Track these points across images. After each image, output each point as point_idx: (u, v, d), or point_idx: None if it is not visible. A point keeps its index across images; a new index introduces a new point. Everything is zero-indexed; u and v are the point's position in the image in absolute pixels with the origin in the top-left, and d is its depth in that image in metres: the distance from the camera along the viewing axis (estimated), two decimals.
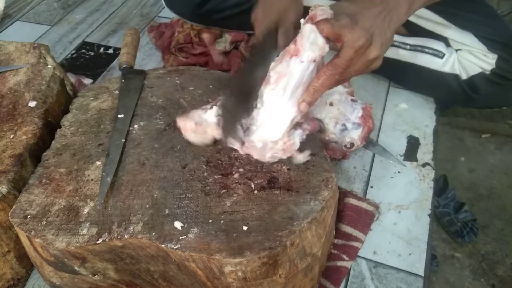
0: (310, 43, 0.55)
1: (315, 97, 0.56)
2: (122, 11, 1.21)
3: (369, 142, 0.80)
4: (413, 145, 0.82)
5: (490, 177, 1.60)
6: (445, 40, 0.83)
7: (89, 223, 0.53)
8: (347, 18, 0.53)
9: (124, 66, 0.76)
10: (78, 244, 0.51)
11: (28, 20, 1.20)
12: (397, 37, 0.88)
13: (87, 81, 0.94)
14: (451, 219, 1.44)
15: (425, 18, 0.83)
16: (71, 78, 0.92)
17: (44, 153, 0.63)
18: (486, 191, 1.56)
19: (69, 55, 1.06)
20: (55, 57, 1.04)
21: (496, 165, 1.64)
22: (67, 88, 0.76)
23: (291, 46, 0.57)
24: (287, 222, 0.51)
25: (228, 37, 0.96)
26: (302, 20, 0.57)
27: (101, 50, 1.07)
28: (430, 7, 0.82)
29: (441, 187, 1.51)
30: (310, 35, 0.55)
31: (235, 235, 0.50)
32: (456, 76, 0.82)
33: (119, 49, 1.07)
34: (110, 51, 1.07)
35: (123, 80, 0.73)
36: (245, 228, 0.51)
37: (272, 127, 0.57)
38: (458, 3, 0.82)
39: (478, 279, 1.35)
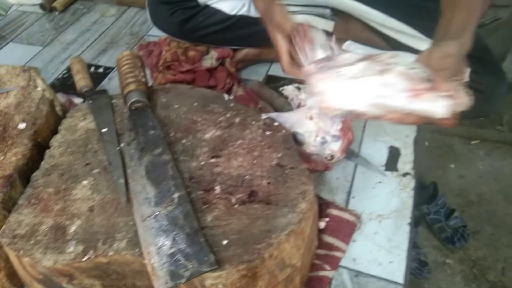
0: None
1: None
2: (113, 31, 1.25)
3: (351, 154, 0.83)
4: (394, 155, 0.84)
5: (480, 183, 1.63)
6: (419, 53, 0.86)
7: (75, 241, 0.55)
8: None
9: (85, 89, 0.80)
10: (64, 262, 0.53)
11: (21, 42, 1.23)
12: (375, 51, 0.90)
13: (78, 100, 0.97)
14: (441, 225, 1.46)
15: (401, 31, 0.86)
16: (62, 98, 0.95)
17: (34, 174, 0.65)
18: (476, 197, 1.58)
19: (61, 75, 1.09)
20: (47, 77, 1.08)
21: (485, 171, 1.67)
22: (57, 109, 0.79)
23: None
24: (266, 235, 0.53)
25: (214, 53, 0.99)
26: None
27: (92, 69, 1.10)
28: (405, 21, 0.85)
29: (431, 194, 1.53)
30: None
31: (215, 249, 0.52)
32: None
33: (109, 68, 1.10)
34: (101, 70, 1.10)
35: (90, 101, 0.76)
36: (225, 242, 0.53)
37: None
38: (434, 17, 0.85)
39: (470, 285, 1.37)
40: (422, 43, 0.86)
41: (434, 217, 1.49)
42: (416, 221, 1.50)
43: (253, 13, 0.98)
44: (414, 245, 1.42)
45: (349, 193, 0.78)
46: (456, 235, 1.45)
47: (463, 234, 1.45)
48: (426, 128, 1.82)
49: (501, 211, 1.53)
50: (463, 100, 0.57)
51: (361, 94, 0.58)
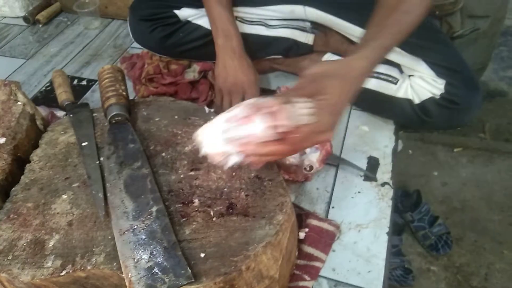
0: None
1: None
2: (96, 43, 1.25)
3: (335, 157, 0.84)
4: (373, 165, 0.85)
5: (463, 190, 1.65)
6: (398, 66, 0.88)
7: (54, 255, 0.55)
8: (329, 117, 0.54)
9: (67, 103, 0.80)
10: (42, 277, 0.53)
11: (3, 54, 1.23)
12: None
13: (60, 113, 0.97)
14: (425, 233, 1.48)
15: None
16: (44, 111, 0.95)
17: (13, 188, 0.65)
18: (459, 204, 1.60)
19: (44, 88, 1.09)
20: (29, 90, 1.08)
21: (468, 178, 1.69)
22: (38, 122, 0.79)
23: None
24: (243, 247, 0.54)
25: (196, 67, 1.00)
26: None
27: (75, 82, 1.11)
28: None
29: (415, 201, 1.55)
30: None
31: (192, 262, 0.53)
32: (409, 101, 0.86)
33: (92, 80, 1.11)
34: (84, 82, 1.11)
35: (71, 115, 0.77)
36: (202, 255, 0.53)
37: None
38: (414, 32, 0.87)
39: None
40: (398, 56, 0.88)
41: (418, 224, 1.50)
42: (400, 229, 1.51)
43: None
44: (398, 253, 1.44)
45: (329, 203, 0.79)
46: (440, 242, 1.46)
47: (447, 241, 1.47)
48: (410, 136, 1.85)
49: (484, 218, 1.55)
50: (285, 121, 0.52)
51: (213, 133, 0.56)
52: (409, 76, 0.88)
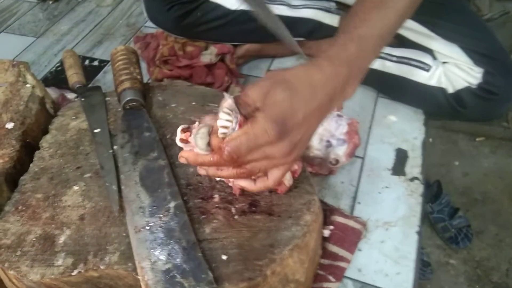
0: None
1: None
2: (108, 21, 1.20)
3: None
4: (401, 158, 0.80)
5: (485, 181, 1.59)
6: (431, 53, 0.82)
7: (64, 253, 0.51)
8: (267, 126, 0.42)
9: (78, 86, 0.76)
10: (53, 276, 0.49)
11: (13, 32, 1.18)
12: (384, 49, 0.86)
13: (71, 95, 0.93)
14: (445, 225, 1.43)
15: (411, 29, 0.82)
16: (54, 93, 0.91)
17: (22, 177, 0.61)
18: (481, 196, 1.55)
19: (54, 68, 1.05)
20: (39, 70, 1.04)
21: (490, 169, 1.63)
22: (47, 106, 0.75)
23: None
24: (268, 249, 0.50)
25: (213, 49, 0.94)
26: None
27: (86, 62, 1.06)
28: (415, 18, 0.81)
29: (435, 192, 1.50)
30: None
31: (213, 265, 0.49)
32: (442, 90, 0.80)
33: (104, 61, 1.06)
34: (95, 63, 1.06)
35: (82, 99, 0.72)
36: (224, 257, 0.49)
37: None
38: (443, 13, 0.80)
39: (473, 286, 1.34)
40: (431, 41, 0.82)
41: (438, 216, 1.46)
42: None
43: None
44: None
45: (354, 198, 0.74)
46: (460, 234, 1.42)
47: (467, 234, 1.42)
48: (430, 123, 1.79)
49: (506, 211, 1.50)
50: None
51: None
52: (443, 63, 0.82)
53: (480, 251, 1.41)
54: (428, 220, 1.48)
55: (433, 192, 1.50)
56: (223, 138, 0.45)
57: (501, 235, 1.44)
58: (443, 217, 1.45)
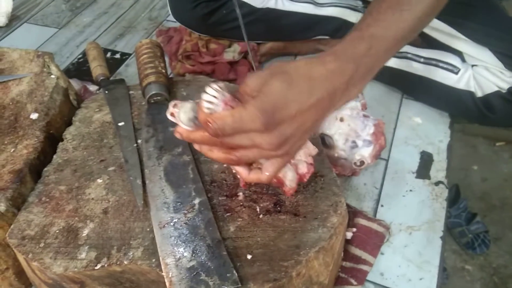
0: None
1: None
2: (130, 14, 1.20)
3: None
4: (426, 161, 0.79)
5: (504, 187, 1.56)
6: (460, 55, 0.80)
7: (88, 246, 0.51)
8: (255, 112, 0.39)
9: (102, 78, 0.75)
10: (76, 269, 0.49)
11: (35, 23, 1.19)
12: (411, 49, 0.85)
13: (93, 87, 0.93)
14: (462, 230, 1.41)
15: (439, 30, 0.80)
16: (76, 84, 0.91)
17: (45, 169, 0.61)
18: (499, 202, 1.52)
19: (76, 60, 1.05)
20: (61, 61, 1.04)
21: (510, 174, 1.60)
22: (71, 98, 0.75)
23: None
24: (293, 251, 0.49)
25: (237, 47, 0.93)
26: None
27: (108, 54, 1.06)
28: (443, 19, 0.79)
29: (453, 197, 1.47)
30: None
31: (238, 264, 0.48)
32: (471, 94, 0.78)
33: (126, 54, 1.06)
34: (117, 56, 1.06)
35: (106, 92, 0.72)
36: (249, 256, 0.49)
37: None
38: (473, 15, 0.78)
39: None
40: (460, 43, 0.80)
41: (455, 220, 1.44)
42: None
43: (280, 5, 0.92)
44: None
45: (377, 201, 0.73)
46: (477, 240, 1.40)
47: (484, 239, 1.40)
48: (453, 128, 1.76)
49: None
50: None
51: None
52: (472, 66, 0.80)
53: (497, 258, 1.39)
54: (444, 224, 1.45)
55: (451, 196, 1.47)
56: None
57: None
58: (461, 222, 1.43)
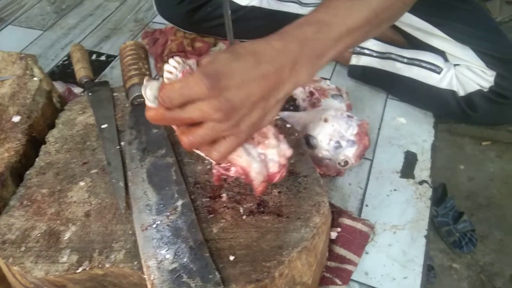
0: None
1: None
2: (116, 16, 1.19)
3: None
4: (410, 161, 0.79)
5: (490, 186, 1.58)
6: (443, 54, 0.81)
7: (69, 249, 0.51)
8: (200, 79, 0.40)
9: (85, 80, 0.75)
10: (57, 273, 0.49)
11: (20, 25, 1.18)
12: (394, 50, 0.85)
13: (78, 90, 0.92)
14: (449, 229, 1.42)
15: (422, 29, 0.81)
16: (61, 87, 0.90)
17: (27, 172, 0.60)
18: (486, 201, 1.54)
19: (61, 62, 1.04)
20: (46, 64, 1.03)
21: (496, 173, 1.62)
22: (54, 100, 0.74)
23: None
24: (276, 251, 0.49)
25: (222, 45, 0.93)
26: None
27: (94, 57, 1.05)
28: (426, 18, 0.80)
29: (440, 196, 1.49)
30: None
31: (220, 265, 0.48)
32: (453, 93, 0.79)
33: (112, 56, 1.05)
34: (103, 58, 1.05)
35: (90, 94, 0.71)
36: (231, 257, 0.49)
37: None
38: (456, 15, 0.79)
39: None
40: (443, 42, 0.81)
41: (442, 219, 1.45)
42: None
43: (266, 4, 0.92)
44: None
45: (362, 200, 0.74)
46: (464, 239, 1.41)
47: (471, 238, 1.41)
48: (436, 127, 1.77)
49: (511, 216, 1.49)
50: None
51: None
52: (455, 65, 0.80)
53: (484, 256, 1.40)
54: (432, 223, 1.46)
55: (437, 195, 1.49)
56: None
57: (505, 241, 1.43)
58: (448, 221, 1.44)
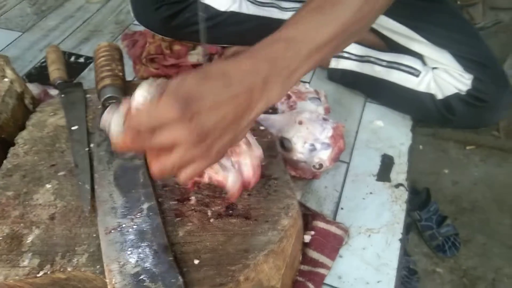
0: None
1: None
2: (97, 18, 1.18)
3: None
4: (387, 164, 0.79)
5: (474, 190, 1.58)
6: (421, 58, 0.81)
7: (31, 253, 0.49)
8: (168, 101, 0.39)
9: (59, 81, 0.74)
10: (17, 277, 0.47)
11: None
12: (373, 53, 0.85)
13: (54, 92, 0.91)
14: (433, 233, 1.42)
15: (400, 33, 0.81)
16: (37, 89, 0.89)
17: None
18: (470, 205, 1.54)
19: (39, 64, 1.03)
20: (24, 65, 1.02)
21: (480, 178, 1.63)
22: (26, 101, 0.73)
23: None
24: (242, 254, 0.48)
25: (201, 49, 0.93)
26: None
27: (72, 58, 1.04)
28: (404, 22, 0.80)
29: (424, 200, 1.49)
30: None
31: (185, 269, 0.47)
32: (431, 96, 0.79)
33: (90, 58, 1.04)
34: (81, 60, 1.04)
35: (62, 95, 0.70)
36: (196, 261, 0.48)
37: None
38: (434, 19, 0.80)
39: None
40: (421, 46, 0.81)
41: (426, 224, 1.45)
42: (407, 228, 1.45)
43: (245, 9, 0.92)
44: (403, 253, 1.38)
45: (337, 203, 0.73)
46: (448, 243, 1.41)
47: (455, 242, 1.41)
48: (421, 131, 1.78)
49: (495, 220, 1.49)
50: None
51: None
52: (433, 69, 0.81)
53: (467, 260, 1.40)
54: (416, 227, 1.47)
55: (421, 199, 1.49)
56: None
57: (488, 245, 1.43)
58: (431, 225, 1.44)
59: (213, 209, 0.54)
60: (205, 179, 0.52)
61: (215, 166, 0.49)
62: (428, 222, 1.44)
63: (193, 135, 0.39)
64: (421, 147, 1.72)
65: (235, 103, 0.41)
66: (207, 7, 0.92)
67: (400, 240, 0.69)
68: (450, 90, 0.78)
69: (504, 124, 1.81)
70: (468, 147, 1.72)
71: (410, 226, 1.46)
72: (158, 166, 0.42)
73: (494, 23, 1.58)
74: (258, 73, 0.43)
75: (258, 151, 0.50)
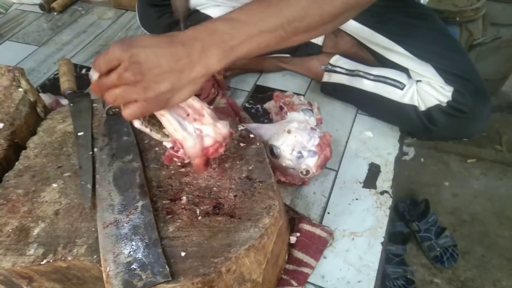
0: None
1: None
2: (108, 33, 1.26)
3: None
4: (373, 172, 0.83)
5: (474, 203, 1.61)
6: (407, 71, 0.86)
7: (37, 244, 0.55)
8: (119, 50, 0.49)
9: (69, 92, 0.81)
10: (23, 264, 0.53)
11: (17, 40, 1.24)
12: (363, 67, 0.90)
13: (65, 101, 0.97)
14: (431, 244, 1.45)
15: (386, 47, 0.86)
16: (49, 98, 0.96)
17: (6, 174, 0.65)
18: (469, 217, 1.56)
19: (52, 75, 1.10)
20: (38, 77, 1.09)
21: (480, 190, 1.65)
22: (39, 110, 0.79)
23: None
24: (225, 248, 0.53)
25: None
26: None
27: (83, 71, 1.11)
28: (390, 37, 0.84)
29: (423, 211, 1.51)
30: None
31: (172, 260, 0.52)
32: (414, 108, 0.84)
33: None
34: None
35: (71, 104, 0.77)
36: (183, 254, 0.53)
37: None
38: (418, 34, 0.84)
39: None
40: (407, 60, 0.85)
41: (424, 234, 1.47)
42: (405, 238, 1.48)
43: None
44: (401, 262, 1.41)
45: (324, 208, 0.77)
46: (446, 254, 1.43)
47: (453, 253, 1.43)
48: (422, 144, 1.81)
49: (493, 232, 1.51)
50: None
51: None
52: (417, 81, 0.85)
53: (465, 272, 1.42)
54: (414, 238, 1.49)
55: (420, 210, 1.52)
56: None
57: (487, 257, 1.45)
58: (430, 236, 1.46)
59: (201, 208, 0.59)
60: (180, 153, 0.59)
61: (175, 124, 0.55)
62: (427, 233, 1.47)
63: (130, 70, 0.49)
64: (422, 159, 1.76)
65: (173, 56, 0.50)
66: (207, 18, 0.98)
67: (382, 243, 0.72)
68: (431, 102, 0.82)
69: (507, 138, 1.83)
70: (469, 160, 1.75)
71: (409, 237, 1.49)
72: (106, 95, 0.52)
73: (493, 39, 1.61)
74: (198, 40, 0.51)
75: (224, 130, 0.57)
